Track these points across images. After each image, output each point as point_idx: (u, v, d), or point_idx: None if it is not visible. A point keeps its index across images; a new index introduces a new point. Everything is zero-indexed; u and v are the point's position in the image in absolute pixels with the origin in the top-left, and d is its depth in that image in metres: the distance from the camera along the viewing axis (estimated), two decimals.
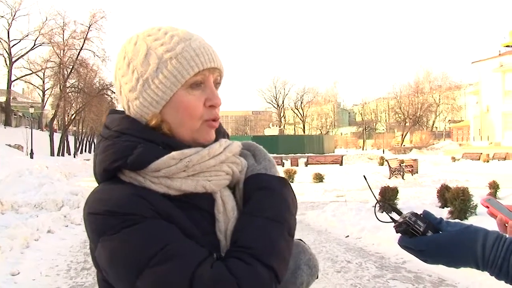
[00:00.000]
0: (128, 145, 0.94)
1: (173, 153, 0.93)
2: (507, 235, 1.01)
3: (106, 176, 0.97)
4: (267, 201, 0.96)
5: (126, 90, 0.99)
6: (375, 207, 1.13)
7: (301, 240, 1.08)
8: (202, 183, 0.94)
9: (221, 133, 1.07)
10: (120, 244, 0.86)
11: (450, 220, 1.10)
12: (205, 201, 0.96)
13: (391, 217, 1.09)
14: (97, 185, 1.00)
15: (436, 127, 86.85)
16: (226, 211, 0.96)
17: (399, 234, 1.05)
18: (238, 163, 1.02)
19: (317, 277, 1.08)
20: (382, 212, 1.15)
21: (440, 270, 5.95)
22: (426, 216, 1.05)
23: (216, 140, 1.02)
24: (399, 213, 1.08)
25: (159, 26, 1.01)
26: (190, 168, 0.93)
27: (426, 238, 1.02)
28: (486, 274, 1.00)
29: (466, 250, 0.99)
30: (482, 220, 7.43)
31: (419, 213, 1.06)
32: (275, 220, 0.93)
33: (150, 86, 0.95)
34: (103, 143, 0.99)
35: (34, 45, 44.09)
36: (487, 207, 1.07)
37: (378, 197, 9.78)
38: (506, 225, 1.06)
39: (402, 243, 1.04)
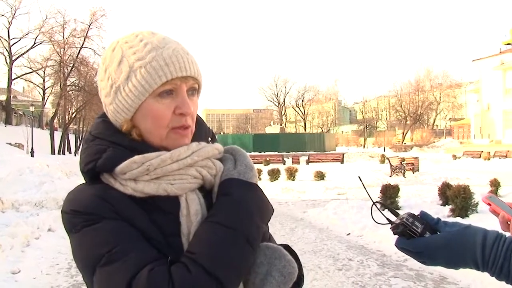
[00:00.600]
0: (99, 149, 0.98)
1: (135, 157, 0.95)
2: (508, 235, 0.99)
3: (88, 177, 1.01)
4: (224, 206, 0.95)
5: (103, 95, 1.03)
6: (371, 208, 1.11)
7: (287, 246, 1.04)
8: (164, 187, 0.96)
9: (201, 136, 1.07)
10: (80, 242, 0.92)
11: (448, 219, 1.08)
12: (171, 203, 0.96)
13: (387, 219, 1.07)
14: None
15: (437, 125, 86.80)
16: (190, 214, 0.96)
17: (397, 236, 1.03)
18: (210, 167, 1.02)
19: (300, 286, 1.05)
20: (384, 210, 1.12)
21: (441, 268, 5.88)
22: (424, 217, 1.04)
23: (195, 141, 1.03)
24: (396, 214, 1.06)
25: (139, 31, 1.03)
26: (152, 171, 0.95)
27: (424, 239, 1.00)
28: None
29: (465, 251, 0.98)
30: (483, 218, 7.43)
31: (416, 213, 1.04)
32: (228, 227, 0.91)
33: (121, 93, 0.98)
34: (83, 146, 1.06)
35: (35, 43, 44.06)
36: (489, 204, 1.06)
37: (379, 196, 9.80)
38: (509, 222, 1.05)
39: (400, 245, 1.03)
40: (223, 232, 0.90)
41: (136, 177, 0.95)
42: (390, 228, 1.04)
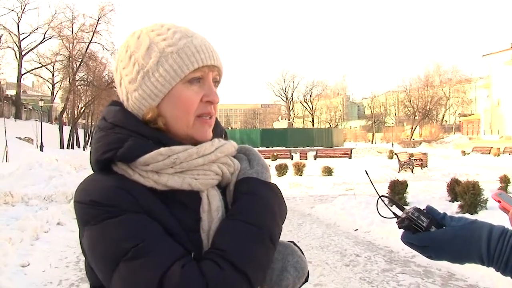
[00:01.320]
0: (120, 138, 0.96)
1: (162, 149, 0.94)
2: None
3: (99, 166, 0.98)
4: (250, 205, 0.95)
5: (126, 82, 1.00)
6: (377, 202, 1.11)
7: (293, 243, 1.07)
8: (189, 181, 0.95)
9: (217, 133, 1.07)
10: (100, 235, 0.88)
11: (456, 214, 1.07)
12: (191, 199, 0.96)
13: (393, 213, 1.07)
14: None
15: (446, 121, 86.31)
16: (211, 210, 0.96)
17: (403, 230, 1.03)
18: (230, 165, 1.02)
19: (307, 280, 1.06)
20: (392, 206, 1.11)
21: (449, 265, 5.89)
22: (429, 211, 1.04)
23: (213, 139, 1.02)
24: (401, 208, 1.07)
25: (162, 22, 1.03)
26: (178, 165, 0.94)
27: (429, 233, 1.00)
28: None
29: (470, 246, 0.97)
30: (492, 214, 7.38)
31: (422, 208, 1.04)
32: (254, 225, 0.92)
33: (150, 78, 0.96)
34: (98, 133, 1.00)
35: (44, 38, 44.34)
36: (499, 201, 1.05)
37: (387, 191, 9.77)
38: None
39: (405, 239, 1.03)
40: (250, 230, 0.91)
41: (160, 169, 0.94)
42: (396, 222, 1.04)
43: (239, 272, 0.85)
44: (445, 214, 1.04)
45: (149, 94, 0.97)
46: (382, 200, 1.10)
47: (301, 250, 1.06)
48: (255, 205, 0.95)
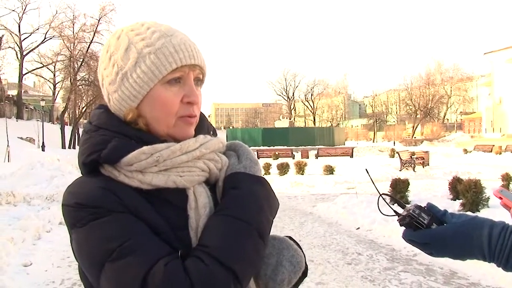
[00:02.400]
0: (103, 139, 0.95)
1: (144, 148, 0.93)
2: None
3: (87, 170, 0.98)
4: (236, 200, 0.94)
5: (107, 83, 1.01)
6: (378, 200, 1.11)
7: (290, 238, 1.06)
8: (173, 179, 0.94)
9: (204, 129, 1.07)
10: (86, 237, 0.88)
11: (457, 212, 1.08)
12: (178, 196, 0.95)
13: (394, 210, 1.08)
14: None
15: (448, 119, 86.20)
16: (198, 207, 0.95)
17: (404, 227, 1.04)
18: (217, 160, 1.01)
19: (305, 275, 1.05)
20: (394, 204, 1.12)
21: (451, 263, 5.91)
22: (430, 209, 1.04)
23: (197, 135, 1.01)
24: (402, 206, 1.07)
25: (144, 21, 1.01)
26: (161, 163, 0.93)
27: (430, 231, 1.01)
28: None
29: (472, 242, 0.98)
30: (494, 212, 7.38)
31: (423, 205, 1.04)
32: (241, 220, 0.90)
33: (128, 80, 0.96)
34: (83, 137, 1.01)
35: (45, 38, 44.48)
36: (500, 198, 1.05)
37: (389, 190, 9.75)
38: None
39: (407, 237, 1.04)
40: (236, 225, 0.89)
41: (143, 168, 0.93)
42: (397, 220, 1.05)
43: (225, 268, 0.84)
44: (445, 211, 1.05)
45: (128, 95, 0.96)
46: (383, 198, 1.11)
47: (298, 244, 1.06)
48: (242, 200, 0.93)
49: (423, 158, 23.36)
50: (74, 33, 43.73)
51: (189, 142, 0.97)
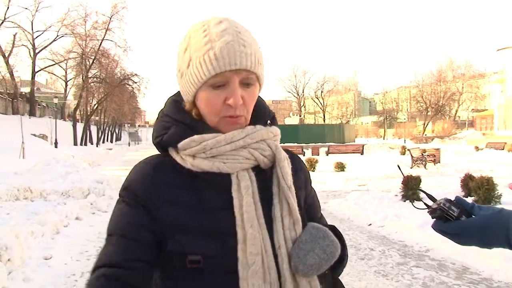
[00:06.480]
0: (165, 125, 1.12)
1: (195, 136, 1.06)
2: None
3: (159, 148, 1.15)
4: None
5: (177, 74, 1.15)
6: (412, 196, 1.21)
7: (334, 228, 1.14)
8: (217, 165, 1.05)
9: (261, 119, 1.15)
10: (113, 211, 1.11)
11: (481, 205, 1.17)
12: (223, 180, 1.06)
13: (425, 203, 1.17)
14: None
15: (459, 116, 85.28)
16: (240, 188, 1.05)
17: (429, 221, 1.13)
18: (264, 149, 1.10)
19: (342, 265, 1.15)
20: (414, 202, 1.21)
21: (463, 258, 5.97)
22: (459, 202, 1.12)
23: (254, 124, 1.11)
24: (433, 199, 1.16)
25: (206, 20, 1.08)
26: (208, 150, 1.05)
27: (460, 222, 1.09)
28: (510, 262, 1.07)
29: (499, 232, 1.06)
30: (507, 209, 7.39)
31: (452, 199, 1.13)
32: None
33: (184, 78, 1.08)
34: (155, 121, 1.20)
35: (57, 36, 44.67)
36: None
37: (401, 187, 9.72)
38: None
39: (437, 227, 1.13)
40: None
41: (194, 154, 1.06)
42: (428, 212, 1.14)
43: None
44: (473, 204, 1.13)
45: (183, 91, 1.11)
46: (424, 191, 1.21)
47: (341, 235, 1.14)
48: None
49: (434, 156, 23.28)
50: (86, 30, 43.99)
51: (234, 133, 1.07)
